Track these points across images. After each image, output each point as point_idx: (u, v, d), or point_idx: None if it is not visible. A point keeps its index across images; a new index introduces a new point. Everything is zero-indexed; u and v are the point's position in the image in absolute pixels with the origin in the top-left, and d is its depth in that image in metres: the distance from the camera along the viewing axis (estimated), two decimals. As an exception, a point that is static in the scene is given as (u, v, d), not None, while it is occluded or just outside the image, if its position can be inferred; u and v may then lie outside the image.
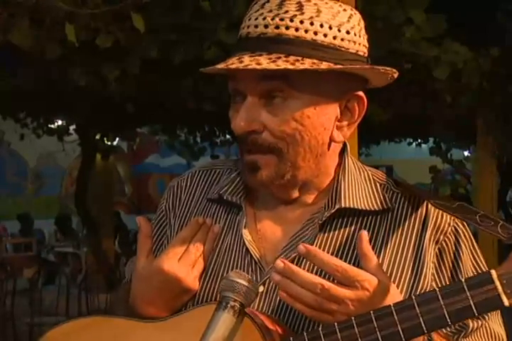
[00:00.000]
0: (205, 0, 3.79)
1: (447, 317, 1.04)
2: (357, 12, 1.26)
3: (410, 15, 4.33)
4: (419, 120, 7.30)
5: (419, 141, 11.40)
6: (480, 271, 1.25)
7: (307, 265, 1.23)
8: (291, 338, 1.11)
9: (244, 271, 1.25)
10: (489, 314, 1.26)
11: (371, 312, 1.06)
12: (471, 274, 1.24)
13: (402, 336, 1.05)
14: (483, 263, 1.29)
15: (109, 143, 8.87)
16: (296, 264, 1.23)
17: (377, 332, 1.05)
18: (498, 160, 7.39)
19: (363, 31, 1.25)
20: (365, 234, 1.13)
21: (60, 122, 8.52)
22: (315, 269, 1.21)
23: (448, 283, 1.23)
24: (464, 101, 5.65)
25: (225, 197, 1.31)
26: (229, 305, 1.09)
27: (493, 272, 1.04)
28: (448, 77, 4.84)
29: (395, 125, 7.15)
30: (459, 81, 5.11)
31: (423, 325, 1.04)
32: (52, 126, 8.50)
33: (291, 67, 1.16)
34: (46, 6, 3.45)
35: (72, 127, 8.60)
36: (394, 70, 1.25)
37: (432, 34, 4.50)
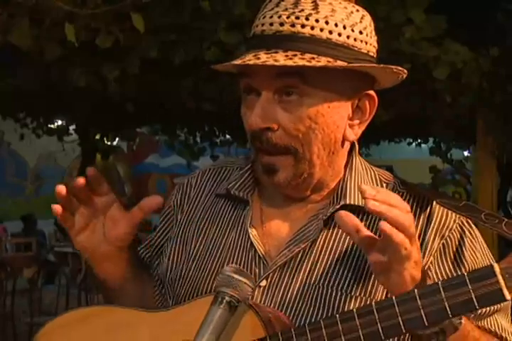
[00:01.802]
0: (205, 0, 3.79)
1: (448, 309, 1.04)
2: (367, 13, 1.28)
3: (410, 15, 4.33)
4: (419, 120, 7.29)
5: (419, 140, 11.39)
6: None
7: (311, 259, 1.25)
8: (292, 329, 1.11)
9: (248, 265, 1.27)
10: (498, 308, 1.26)
11: (372, 304, 1.07)
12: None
13: (403, 328, 1.05)
14: (492, 260, 1.29)
15: (109, 143, 8.86)
16: (300, 259, 1.26)
17: (378, 324, 1.06)
18: (498, 160, 7.38)
19: (373, 32, 1.28)
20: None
21: (60, 122, 8.51)
22: (319, 263, 1.24)
23: (447, 276, 1.24)
24: (464, 101, 5.65)
25: (232, 192, 1.33)
26: (224, 301, 1.09)
27: (496, 266, 1.05)
28: (448, 77, 4.84)
29: (394, 125, 7.14)
30: (459, 81, 5.10)
31: (424, 317, 1.05)
32: (52, 126, 8.49)
33: (308, 64, 1.17)
34: (46, 6, 3.45)
35: (72, 127, 8.59)
36: (404, 70, 1.27)
37: (432, 34, 4.50)
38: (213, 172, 1.43)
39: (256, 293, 1.25)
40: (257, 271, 1.27)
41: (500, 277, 1.03)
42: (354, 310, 1.08)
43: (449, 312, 1.04)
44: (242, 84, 1.26)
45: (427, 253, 1.25)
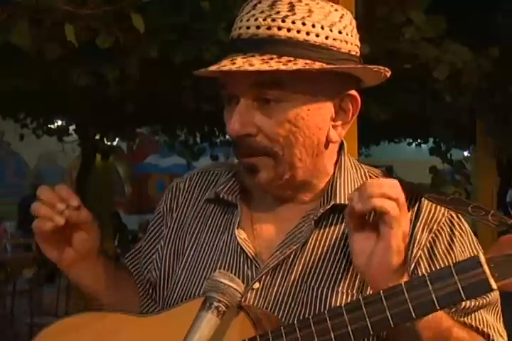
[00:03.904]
0: (205, 0, 3.79)
1: (436, 301, 1.05)
2: (348, 12, 1.26)
3: (410, 15, 4.34)
4: (419, 120, 7.30)
5: (419, 141, 11.41)
6: None
7: (303, 260, 1.25)
8: (281, 327, 1.11)
9: (240, 268, 1.27)
10: (485, 303, 1.26)
11: (360, 298, 1.07)
12: None
13: (391, 322, 1.06)
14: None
15: (109, 143, 8.87)
16: (292, 261, 1.26)
17: (367, 319, 1.06)
18: (498, 160, 7.39)
19: (355, 31, 1.26)
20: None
21: (59, 122, 8.52)
22: (310, 264, 1.24)
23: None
24: (464, 101, 5.65)
25: (221, 196, 1.33)
26: (213, 306, 1.09)
27: (481, 256, 1.05)
28: (448, 77, 4.84)
29: (394, 125, 7.15)
30: (458, 81, 5.11)
31: (412, 311, 1.05)
32: (52, 126, 8.50)
33: (283, 67, 1.16)
34: (46, 6, 3.45)
35: (72, 127, 8.60)
36: (386, 69, 1.26)
37: (432, 34, 4.50)
38: (201, 176, 1.42)
39: (249, 295, 1.24)
40: (249, 273, 1.26)
41: (486, 267, 1.04)
42: (343, 305, 1.08)
43: (437, 304, 1.05)
44: (223, 91, 1.25)
45: (415, 246, 1.24)
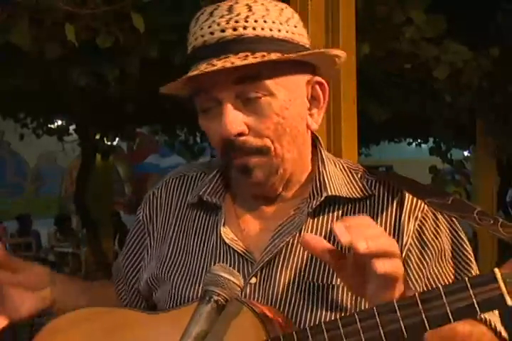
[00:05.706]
0: (205, 0, 3.79)
1: (450, 314, 1.04)
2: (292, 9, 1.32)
3: (410, 15, 4.34)
4: (419, 120, 7.30)
5: (419, 140, 11.42)
6: (460, 248, 1.30)
7: (297, 254, 1.27)
8: (293, 332, 1.11)
9: (233, 266, 1.28)
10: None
11: (374, 308, 1.07)
12: (451, 250, 1.29)
13: (404, 332, 1.05)
14: (465, 241, 1.31)
15: (109, 143, 8.87)
16: (286, 254, 1.27)
17: (380, 328, 1.05)
18: (498, 160, 7.39)
19: (302, 24, 1.32)
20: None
21: (59, 122, 8.52)
22: (304, 258, 1.26)
23: (432, 258, 1.27)
24: (464, 101, 5.65)
25: (204, 199, 1.34)
26: (212, 299, 1.09)
27: (497, 271, 1.04)
28: (448, 77, 4.84)
29: (394, 125, 7.15)
30: (458, 81, 5.11)
31: (425, 322, 1.04)
32: (52, 126, 8.50)
33: (266, 59, 1.19)
34: (46, 6, 3.45)
35: (72, 127, 8.60)
36: (342, 52, 1.30)
37: (432, 34, 4.50)
38: (177, 181, 1.43)
39: (248, 290, 1.26)
40: (244, 269, 1.27)
41: (501, 282, 1.03)
42: (355, 313, 1.07)
43: (451, 317, 1.04)
44: (199, 101, 1.29)
45: (404, 235, 1.27)
